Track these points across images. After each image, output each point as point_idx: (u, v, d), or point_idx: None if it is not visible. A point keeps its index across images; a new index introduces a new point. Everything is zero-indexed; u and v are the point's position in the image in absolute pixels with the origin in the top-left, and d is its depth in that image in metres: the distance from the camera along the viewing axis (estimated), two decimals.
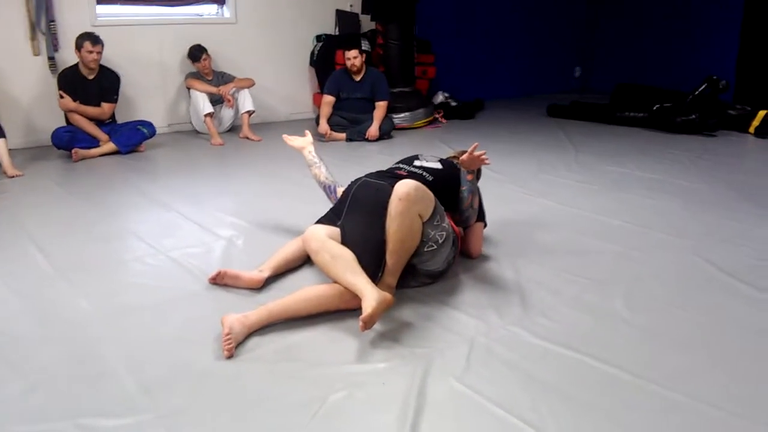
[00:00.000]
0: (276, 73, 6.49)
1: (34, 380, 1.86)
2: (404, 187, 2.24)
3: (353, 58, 5.54)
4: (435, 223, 2.34)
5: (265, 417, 1.70)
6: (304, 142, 3.11)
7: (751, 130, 5.52)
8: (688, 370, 1.91)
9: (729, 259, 2.75)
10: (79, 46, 4.83)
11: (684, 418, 1.67)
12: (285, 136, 3.19)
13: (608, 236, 3.07)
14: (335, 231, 2.42)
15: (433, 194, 2.33)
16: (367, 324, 2.00)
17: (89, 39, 4.82)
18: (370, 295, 2.05)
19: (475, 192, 2.66)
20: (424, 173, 2.68)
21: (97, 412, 1.71)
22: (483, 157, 2.51)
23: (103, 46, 4.89)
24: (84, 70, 4.92)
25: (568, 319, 2.23)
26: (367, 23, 6.77)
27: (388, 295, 2.11)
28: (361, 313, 2.00)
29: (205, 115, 5.52)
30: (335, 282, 2.25)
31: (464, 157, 2.53)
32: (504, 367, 1.92)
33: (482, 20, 7.83)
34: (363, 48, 5.99)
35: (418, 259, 2.38)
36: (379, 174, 2.69)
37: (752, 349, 2.04)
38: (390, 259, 2.29)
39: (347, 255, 2.26)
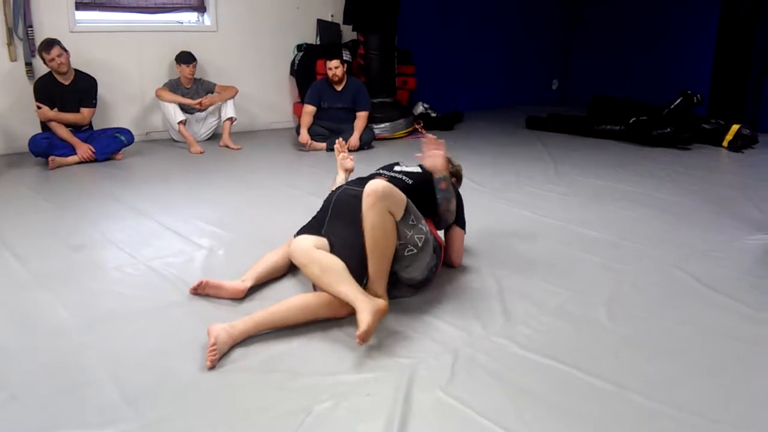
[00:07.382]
0: (256, 81, 6.47)
1: (14, 391, 1.83)
2: (371, 185, 2.25)
3: (334, 68, 5.55)
4: (410, 223, 2.31)
5: (250, 428, 1.69)
6: (350, 169, 3.11)
7: (725, 144, 5.64)
8: (669, 378, 1.94)
9: (706, 270, 2.80)
10: (42, 59, 4.75)
11: (666, 426, 1.70)
12: (343, 154, 3.13)
13: (588, 247, 3.10)
14: (321, 241, 2.42)
15: (404, 194, 2.32)
16: (365, 339, 2.00)
17: (44, 49, 4.71)
18: (365, 307, 2.05)
19: (450, 198, 2.66)
20: (404, 177, 2.70)
21: (79, 422, 1.68)
22: (435, 149, 2.57)
23: (62, 47, 4.75)
24: (58, 77, 4.84)
25: (550, 329, 2.26)
26: (348, 33, 6.79)
27: (381, 303, 2.12)
28: (352, 322, 2.00)
29: (178, 123, 5.49)
30: (326, 292, 2.24)
31: (426, 162, 2.56)
32: (489, 377, 1.93)
33: (462, 32, 7.90)
34: (344, 58, 6.00)
35: (399, 264, 2.36)
36: (359, 181, 2.69)
37: (731, 358, 2.08)
38: (370, 263, 2.27)
39: (337, 266, 2.24)
